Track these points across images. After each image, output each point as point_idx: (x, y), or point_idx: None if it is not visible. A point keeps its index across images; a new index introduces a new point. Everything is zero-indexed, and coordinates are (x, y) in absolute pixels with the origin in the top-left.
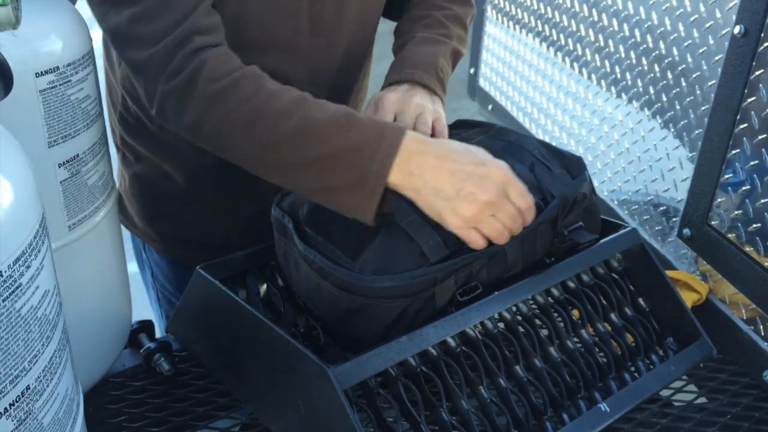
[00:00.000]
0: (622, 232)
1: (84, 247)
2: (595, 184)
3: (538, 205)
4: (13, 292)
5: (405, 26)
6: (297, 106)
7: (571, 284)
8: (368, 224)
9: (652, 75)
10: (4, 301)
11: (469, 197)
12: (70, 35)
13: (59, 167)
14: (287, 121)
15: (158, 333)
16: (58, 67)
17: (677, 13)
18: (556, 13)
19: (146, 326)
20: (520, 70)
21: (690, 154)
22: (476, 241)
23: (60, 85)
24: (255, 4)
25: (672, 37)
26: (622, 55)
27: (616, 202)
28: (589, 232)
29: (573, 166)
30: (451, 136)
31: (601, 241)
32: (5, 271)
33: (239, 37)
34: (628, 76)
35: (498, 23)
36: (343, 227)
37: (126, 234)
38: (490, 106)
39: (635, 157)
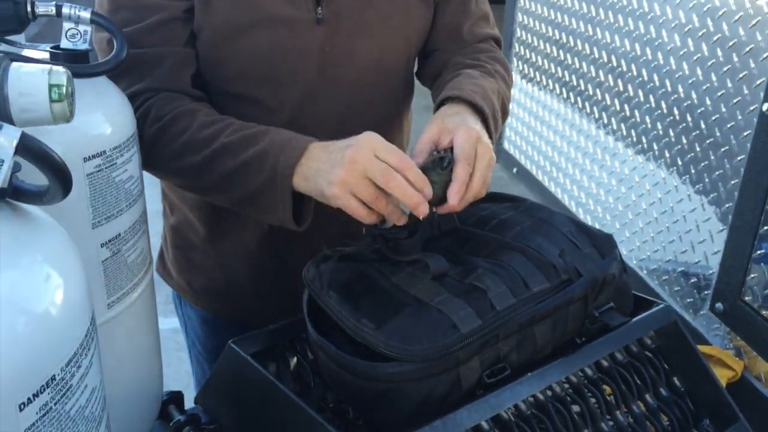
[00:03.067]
0: (655, 309)
1: (120, 324)
2: (623, 252)
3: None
4: (64, 395)
5: (450, 69)
6: (220, 132)
7: (605, 362)
8: (294, 229)
9: (680, 146)
10: (56, 404)
11: (339, 163)
12: (116, 118)
13: (101, 247)
14: (209, 147)
15: (193, 391)
16: (104, 151)
17: (704, 87)
18: (581, 81)
19: (175, 398)
20: (545, 135)
21: (721, 227)
22: (355, 209)
23: (106, 168)
24: (257, 45)
25: (700, 111)
26: (649, 125)
27: (645, 272)
28: (621, 313)
29: (603, 244)
30: (479, 209)
31: (634, 319)
32: (58, 374)
33: (237, 73)
34: (656, 146)
35: (523, 75)
36: (370, 299)
37: (168, 289)
38: (514, 169)
39: (664, 228)
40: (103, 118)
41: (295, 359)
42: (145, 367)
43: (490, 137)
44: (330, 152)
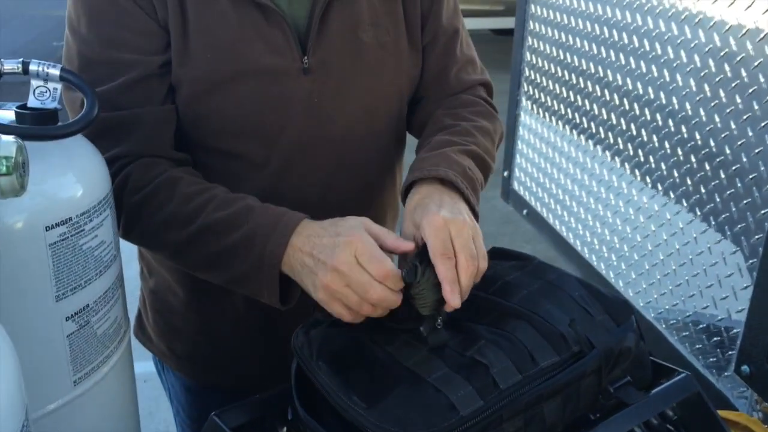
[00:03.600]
0: (676, 379)
1: (91, 401)
2: (639, 304)
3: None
4: None
5: (428, 132)
6: (202, 208)
7: None
8: (281, 309)
9: (698, 196)
10: None
11: (322, 268)
12: (87, 180)
13: (66, 320)
14: (192, 224)
15: None
16: (70, 218)
17: (723, 135)
18: (593, 124)
19: None
20: (555, 177)
21: (745, 284)
22: (340, 313)
23: (72, 236)
24: (239, 95)
25: (719, 159)
26: (665, 171)
27: (663, 326)
28: (639, 384)
29: (618, 311)
30: None
31: (654, 392)
32: None
33: (218, 127)
34: (672, 194)
35: (532, 114)
36: (362, 371)
37: (149, 354)
38: (524, 211)
39: (683, 280)
40: (72, 180)
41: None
42: None
43: (469, 199)
44: (315, 245)
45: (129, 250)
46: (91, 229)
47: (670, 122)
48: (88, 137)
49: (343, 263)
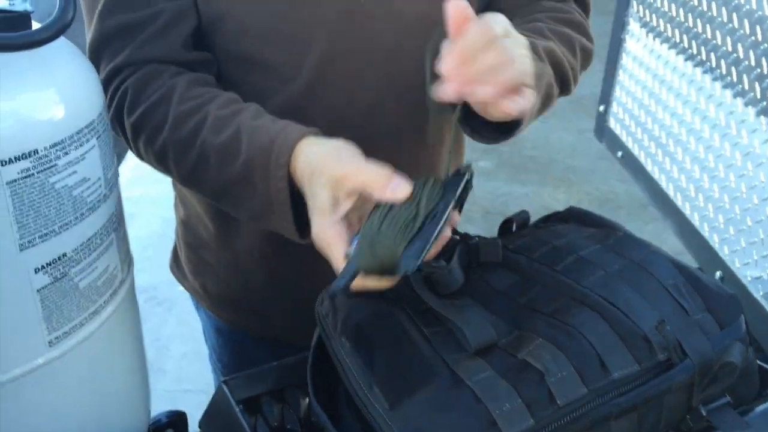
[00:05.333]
0: None
1: (74, 363)
2: (735, 265)
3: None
4: None
5: None
6: (195, 134)
7: None
8: (302, 243)
9: None
10: None
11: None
12: (62, 102)
13: (36, 273)
14: (190, 153)
15: None
16: (36, 150)
17: None
18: (713, 56)
19: (175, 422)
20: (660, 117)
21: None
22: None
23: (39, 173)
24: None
25: None
26: None
27: (762, 294)
28: (741, 400)
29: (723, 308)
30: (552, 233)
31: (758, 410)
32: None
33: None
34: None
35: (640, 39)
36: (390, 356)
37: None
38: (619, 153)
39: None
40: (40, 102)
41: (306, 401)
42: (114, 409)
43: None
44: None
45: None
46: (66, 164)
47: None
48: (90, 49)
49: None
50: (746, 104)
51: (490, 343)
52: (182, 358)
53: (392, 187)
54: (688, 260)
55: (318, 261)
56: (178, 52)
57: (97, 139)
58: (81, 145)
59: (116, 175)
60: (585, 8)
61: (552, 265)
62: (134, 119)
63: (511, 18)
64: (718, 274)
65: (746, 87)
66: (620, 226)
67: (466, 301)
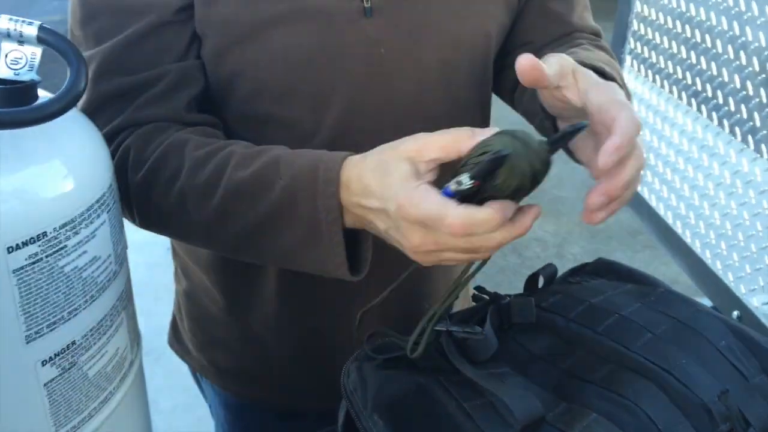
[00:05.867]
0: None
1: None
2: (754, 305)
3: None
4: None
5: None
6: (220, 173)
7: None
8: (351, 280)
9: None
10: None
11: (402, 243)
12: (72, 178)
13: (42, 365)
14: (214, 194)
15: None
16: (45, 233)
17: None
18: (719, 93)
19: None
20: (665, 155)
21: None
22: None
23: (48, 256)
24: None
25: None
26: None
27: None
28: None
29: None
30: (586, 290)
31: None
32: None
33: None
34: None
35: (639, 76)
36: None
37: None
38: None
39: None
40: (49, 178)
41: None
42: None
43: None
44: (376, 216)
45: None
46: (77, 243)
47: None
48: (86, 112)
49: (419, 245)
50: (758, 141)
51: (537, 417)
52: (172, 412)
53: (473, 133)
54: (683, 289)
55: (339, 326)
56: (182, 115)
57: (107, 213)
58: (92, 222)
59: (125, 247)
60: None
61: (592, 326)
62: (141, 176)
63: (540, 53)
64: (735, 313)
65: (746, 118)
66: (657, 281)
67: (503, 368)
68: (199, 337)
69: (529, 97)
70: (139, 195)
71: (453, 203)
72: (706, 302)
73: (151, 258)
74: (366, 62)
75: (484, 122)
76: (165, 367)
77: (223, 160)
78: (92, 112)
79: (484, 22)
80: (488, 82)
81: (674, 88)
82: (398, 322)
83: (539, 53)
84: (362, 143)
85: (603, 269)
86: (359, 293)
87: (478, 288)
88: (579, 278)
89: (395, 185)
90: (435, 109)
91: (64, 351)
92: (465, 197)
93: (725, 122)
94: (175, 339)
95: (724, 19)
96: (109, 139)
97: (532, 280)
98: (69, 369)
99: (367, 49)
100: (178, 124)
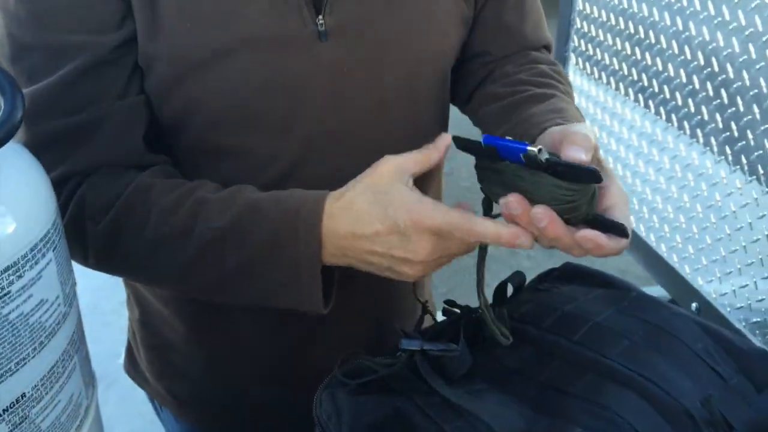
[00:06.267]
0: None
1: None
2: (712, 296)
3: None
4: None
5: (509, 80)
6: (192, 221)
7: None
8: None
9: None
10: None
11: (407, 264)
12: (13, 217)
13: None
14: (187, 244)
15: None
16: None
17: None
18: (665, 88)
19: None
20: (614, 149)
21: None
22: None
23: None
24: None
25: None
26: (766, 147)
27: (745, 325)
28: None
29: (756, 367)
30: (557, 297)
31: None
32: None
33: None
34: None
35: (584, 74)
36: None
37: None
38: None
39: None
40: None
41: None
42: None
43: None
44: (375, 241)
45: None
46: (21, 288)
47: (762, 83)
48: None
49: (430, 253)
50: (692, 128)
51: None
52: None
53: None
54: (634, 279)
55: (311, 351)
56: (136, 157)
57: (53, 251)
58: (36, 263)
59: (74, 283)
60: (550, 52)
61: (567, 335)
62: (104, 225)
63: (504, 65)
64: (694, 305)
65: (691, 110)
66: (628, 284)
67: (480, 385)
68: (157, 365)
69: (504, 118)
70: (102, 244)
71: (475, 217)
72: (660, 291)
73: (96, 282)
74: (324, 87)
75: (442, 131)
76: (118, 394)
77: (195, 206)
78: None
79: (443, 38)
80: (447, 94)
81: (621, 85)
82: (370, 343)
83: (494, 66)
84: (323, 168)
85: (571, 274)
86: (334, 313)
87: (449, 302)
88: (548, 285)
89: (397, 201)
90: (397, 127)
91: (14, 405)
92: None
93: (673, 117)
94: (132, 367)
95: (667, 15)
96: (57, 185)
97: (499, 289)
98: (20, 424)
99: (324, 74)
100: (133, 167)
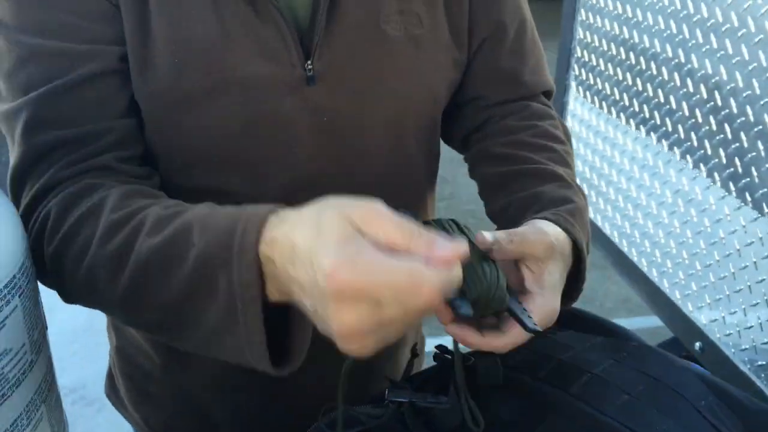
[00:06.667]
0: None
1: None
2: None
3: None
4: None
5: (507, 137)
6: (131, 242)
7: None
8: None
9: None
10: None
11: (328, 326)
12: None
13: None
14: (123, 268)
15: None
16: None
17: None
18: (667, 120)
19: None
20: (617, 182)
21: None
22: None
23: None
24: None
25: None
26: (764, 178)
27: (749, 367)
28: None
29: (763, 428)
30: (553, 345)
31: None
32: None
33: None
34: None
35: (585, 103)
36: None
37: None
38: None
39: (763, 299)
40: None
41: None
42: None
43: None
44: (303, 288)
45: None
46: None
47: (767, 119)
48: (12, 175)
49: (355, 323)
50: (695, 162)
51: None
52: None
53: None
54: (635, 308)
55: (289, 391)
56: (124, 165)
57: (19, 296)
58: (0, 310)
59: (44, 328)
60: (550, 97)
61: (564, 386)
62: (53, 247)
63: (498, 113)
64: (697, 345)
65: (694, 144)
66: (628, 332)
67: None
68: (134, 394)
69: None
70: (53, 269)
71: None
72: (656, 321)
73: None
74: (309, 130)
75: (432, 175)
76: (108, 418)
77: (137, 225)
78: (26, 169)
79: (433, 80)
80: (437, 135)
81: (622, 115)
82: (354, 383)
83: (492, 112)
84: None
85: (568, 318)
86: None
87: (440, 347)
88: (549, 332)
89: (329, 246)
90: (383, 167)
91: None
92: None
93: (675, 150)
94: (113, 393)
95: (668, 47)
96: (39, 200)
97: None
98: None
99: (310, 118)
100: (123, 173)
